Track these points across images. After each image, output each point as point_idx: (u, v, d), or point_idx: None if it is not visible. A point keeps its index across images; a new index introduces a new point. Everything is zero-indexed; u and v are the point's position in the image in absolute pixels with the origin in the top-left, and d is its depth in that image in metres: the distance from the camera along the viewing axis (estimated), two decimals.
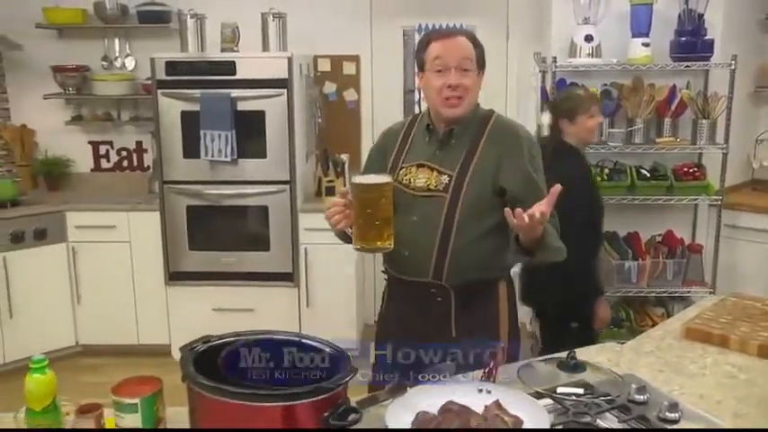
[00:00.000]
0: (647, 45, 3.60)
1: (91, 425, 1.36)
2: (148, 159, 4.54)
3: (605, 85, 3.82)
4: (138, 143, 4.57)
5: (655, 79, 3.75)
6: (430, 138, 1.96)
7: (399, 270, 1.97)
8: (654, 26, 3.62)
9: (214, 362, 1.34)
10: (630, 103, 3.72)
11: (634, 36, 3.63)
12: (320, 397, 1.24)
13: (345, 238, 1.88)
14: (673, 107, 3.73)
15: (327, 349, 1.39)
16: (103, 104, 4.48)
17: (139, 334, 4.10)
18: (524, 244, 1.77)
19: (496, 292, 1.97)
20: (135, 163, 4.61)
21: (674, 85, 3.72)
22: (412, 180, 1.93)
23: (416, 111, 4.40)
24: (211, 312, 3.90)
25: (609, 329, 3.74)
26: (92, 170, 4.63)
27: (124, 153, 4.60)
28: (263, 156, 3.76)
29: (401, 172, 1.96)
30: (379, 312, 2.14)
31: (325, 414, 1.24)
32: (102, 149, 4.60)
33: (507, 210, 1.65)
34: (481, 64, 1.91)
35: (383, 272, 2.07)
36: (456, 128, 1.91)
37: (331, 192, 3.85)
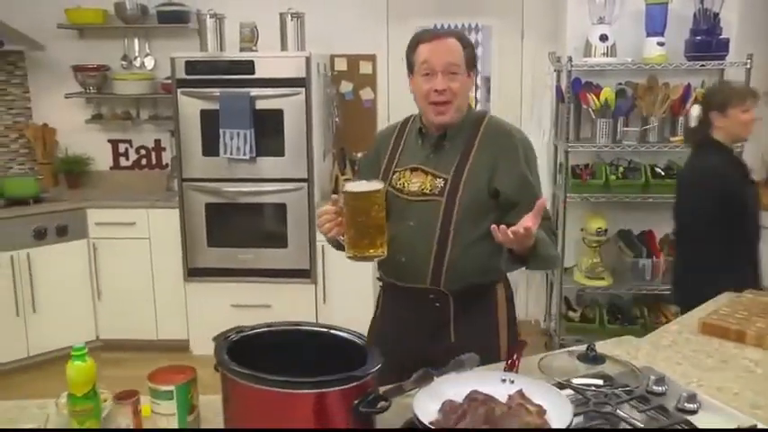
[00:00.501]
0: (661, 44, 3.62)
1: (128, 411, 1.41)
2: (167, 157, 4.61)
3: (620, 84, 3.85)
4: (157, 141, 4.63)
5: (669, 78, 3.78)
6: (423, 141, 1.93)
7: (396, 276, 1.93)
8: (669, 25, 3.65)
9: (246, 351, 1.39)
10: (645, 102, 3.74)
11: (649, 35, 3.66)
12: (350, 385, 1.28)
13: (338, 246, 1.83)
14: (687, 106, 3.74)
15: (356, 340, 1.43)
16: (123, 103, 4.55)
17: (158, 329, 4.16)
18: (517, 253, 1.73)
19: (495, 296, 1.96)
20: (153, 161, 4.67)
21: (689, 85, 3.75)
22: (406, 184, 1.90)
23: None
24: (229, 308, 3.96)
25: (622, 326, 3.78)
26: (111, 168, 4.70)
27: (143, 151, 4.67)
28: (282, 154, 3.82)
29: (394, 177, 1.93)
30: (372, 319, 2.09)
31: (356, 402, 1.29)
32: (122, 148, 4.68)
33: (493, 227, 1.62)
34: (471, 65, 1.88)
35: (378, 278, 2.04)
36: (449, 131, 1.89)
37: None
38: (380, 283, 2.04)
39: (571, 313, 4.00)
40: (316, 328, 1.49)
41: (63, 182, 4.60)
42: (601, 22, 3.68)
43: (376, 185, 1.70)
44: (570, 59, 3.67)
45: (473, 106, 4.36)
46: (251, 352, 1.36)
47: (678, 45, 3.70)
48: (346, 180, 3.94)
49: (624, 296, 4.07)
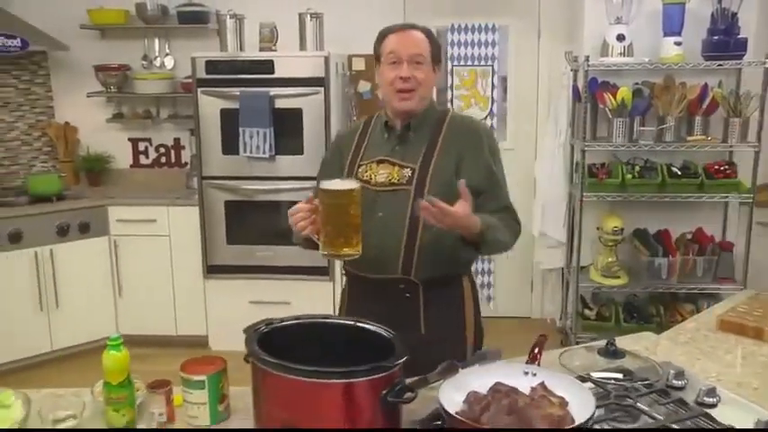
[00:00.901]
0: (679, 44, 3.63)
1: (162, 400, 1.46)
2: (185, 156, 4.67)
3: (636, 83, 3.85)
4: (176, 140, 4.70)
5: (686, 78, 3.78)
6: (389, 134, 1.96)
7: (367, 268, 1.91)
8: (686, 25, 3.65)
9: (275, 343, 1.42)
10: (662, 101, 3.75)
11: (666, 35, 3.66)
12: (378, 375, 1.32)
13: (308, 245, 1.86)
14: (704, 105, 3.75)
15: (382, 332, 1.47)
16: (143, 102, 4.62)
17: (177, 325, 4.22)
18: (468, 237, 1.79)
19: (461, 288, 1.99)
20: (173, 159, 4.73)
21: (706, 84, 3.75)
22: (373, 176, 1.92)
23: (449, 108, 4.47)
24: (248, 305, 4.01)
25: (638, 325, 3.79)
26: (131, 166, 4.77)
27: (162, 150, 4.73)
28: (300, 152, 3.86)
29: (360, 169, 1.94)
30: (338, 313, 2.10)
31: (384, 392, 1.33)
32: (141, 146, 4.74)
33: (419, 201, 1.67)
34: (436, 60, 1.92)
35: (344, 273, 2.05)
36: (413, 121, 1.92)
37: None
38: (345, 276, 2.05)
39: (587, 311, 4.01)
40: (343, 321, 1.53)
41: (84, 180, 4.68)
42: (618, 22, 3.69)
43: (352, 184, 1.72)
44: (587, 59, 3.68)
45: (491, 102, 4.41)
46: (280, 344, 1.40)
47: (695, 45, 3.70)
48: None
49: (640, 295, 4.08)
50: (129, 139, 4.73)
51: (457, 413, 1.32)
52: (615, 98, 3.72)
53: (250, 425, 1.44)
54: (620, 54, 3.70)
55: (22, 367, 3.92)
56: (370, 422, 1.33)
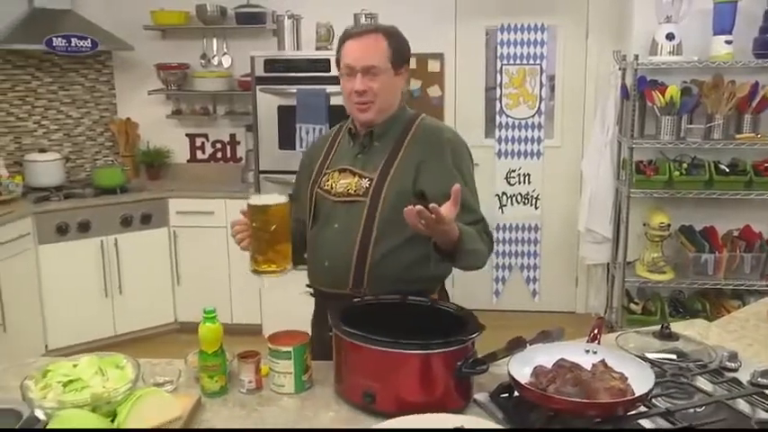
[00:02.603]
0: (729, 42, 3.66)
1: (251, 368, 1.60)
2: (241, 151, 4.85)
3: (685, 82, 3.90)
4: (232, 136, 4.88)
5: (736, 76, 3.81)
6: (354, 142, 1.90)
7: (321, 282, 1.89)
8: (737, 23, 3.68)
9: (358, 318, 1.55)
10: (710, 99, 3.79)
11: (716, 33, 3.70)
12: (453, 348, 1.45)
13: None
14: (754, 104, 3.78)
15: (454, 311, 1.59)
16: (201, 100, 4.80)
17: (233, 314, 4.39)
18: (443, 248, 1.66)
19: None
20: (228, 154, 4.92)
21: (757, 82, 3.77)
22: (333, 186, 1.86)
23: (497, 107, 4.58)
24: (300, 295, 4.14)
25: (683, 319, 3.83)
26: (188, 161, 4.96)
27: (218, 145, 4.92)
28: None
29: (323, 178, 1.89)
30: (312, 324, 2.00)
31: (459, 363, 1.45)
32: (198, 141, 4.93)
33: (405, 208, 1.55)
34: (399, 61, 1.82)
35: (307, 286, 1.98)
36: (376, 129, 1.85)
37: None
38: (311, 292, 1.99)
39: (632, 306, 4.07)
40: (419, 301, 1.66)
41: (144, 173, 4.88)
42: (668, 21, 3.74)
43: (280, 199, 1.68)
44: (636, 58, 3.74)
45: (539, 100, 4.48)
46: (362, 319, 1.54)
47: (746, 43, 3.72)
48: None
49: (685, 291, 4.13)
50: (187, 135, 4.92)
51: (526, 384, 1.43)
52: (663, 96, 3.77)
53: (331, 395, 1.58)
54: (670, 53, 3.75)
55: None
56: (444, 391, 1.46)
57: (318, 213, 1.89)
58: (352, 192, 1.83)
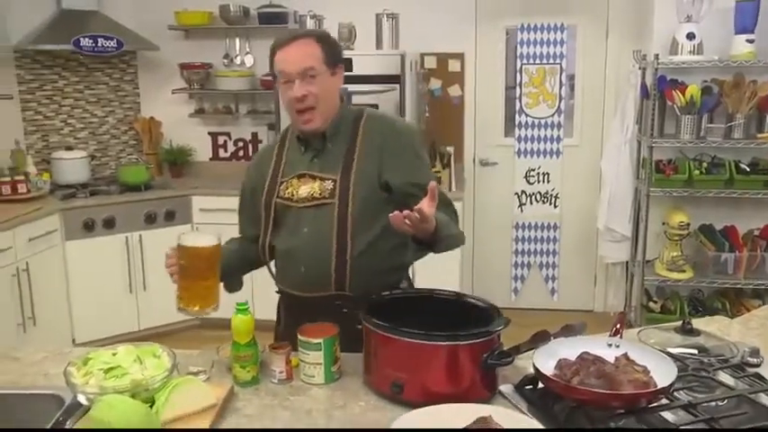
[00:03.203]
0: (751, 41, 3.66)
1: (282, 359, 1.65)
2: None
3: (705, 81, 3.91)
4: (254, 134, 4.94)
5: (757, 75, 3.81)
6: (305, 148, 1.88)
7: (299, 288, 1.87)
8: (758, 22, 3.68)
9: (387, 311, 1.59)
10: (731, 99, 3.79)
11: (737, 33, 3.70)
12: (480, 340, 1.49)
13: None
14: None
15: (481, 304, 1.63)
16: (223, 99, 4.87)
17: (255, 310, 4.44)
18: (422, 239, 1.67)
19: None
20: (250, 152, 4.97)
21: None
22: (294, 192, 1.85)
23: (517, 106, 4.60)
24: None
25: (703, 318, 3.84)
26: (210, 159, 5.04)
27: (240, 143, 4.99)
28: None
29: (281, 187, 1.88)
30: (274, 333, 2.03)
31: (484, 355, 1.49)
32: (221, 140, 5.00)
33: (390, 215, 1.58)
34: (333, 61, 1.81)
35: (277, 292, 1.99)
36: (327, 131, 1.84)
37: (437, 182, 4.10)
38: (279, 294, 1.99)
39: (651, 304, 4.09)
40: (447, 295, 1.70)
41: (167, 171, 4.96)
42: (688, 20, 3.75)
43: (210, 240, 1.69)
44: (657, 57, 3.76)
45: (559, 100, 4.51)
46: (389, 312, 1.58)
47: (767, 42, 3.73)
48: (437, 172, 4.13)
49: (705, 290, 4.13)
50: (210, 134, 4.99)
51: (551, 376, 1.47)
52: (684, 96, 3.78)
53: (359, 385, 1.62)
54: (690, 52, 3.76)
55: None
56: (471, 382, 1.50)
57: (280, 222, 1.89)
58: (317, 195, 1.82)
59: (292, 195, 1.85)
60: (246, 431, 1.46)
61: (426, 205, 1.57)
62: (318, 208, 1.82)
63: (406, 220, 1.56)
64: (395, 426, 1.36)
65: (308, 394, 1.61)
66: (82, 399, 1.46)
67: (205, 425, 1.42)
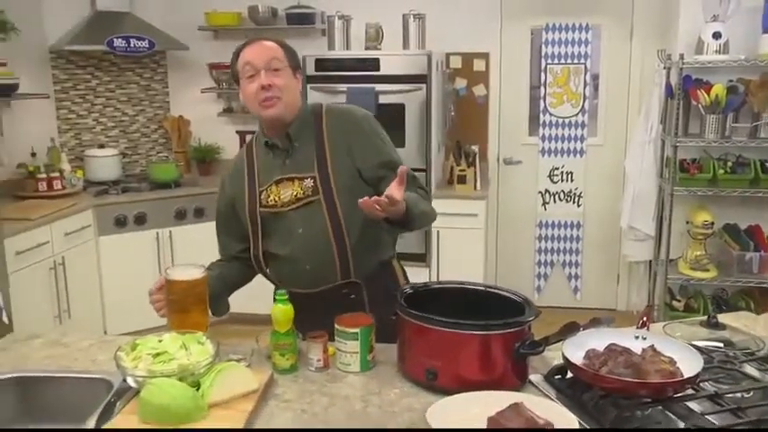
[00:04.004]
0: None
1: (319, 348, 1.72)
2: None
3: (731, 81, 3.91)
4: None
5: None
6: (273, 153, 1.92)
7: (306, 285, 1.91)
8: None
9: (419, 302, 1.66)
10: (757, 98, 3.80)
11: (765, 31, 3.70)
12: (512, 330, 1.55)
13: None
14: None
15: (512, 296, 1.69)
16: None
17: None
18: (394, 220, 1.72)
19: (394, 271, 2.05)
20: None
21: None
22: (277, 198, 1.89)
23: (541, 106, 4.64)
24: None
25: (729, 315, 3.85)
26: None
27: None
28: (402, 145, 4.09)
29: (262, 196, 1.91)
30: None
31: (517, 344, 1.55)
32: (248, 138, 5.06)
33: (359, 201, 1.63)
34: (295, 66, 1.89)
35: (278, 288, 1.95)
36: (291, 130, 1.89)
37: (462, 180, 4.18)
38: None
39: (675, 303, 4.10)
40: (477, 287, 1.76)
41: (195, 168, 5.06)
42: (714, 19, 3.76)
43: (196, 274, 1.75)
44: (682, 57, 3.78)
45: (583, 99, 4.54)
46: (422, 303, 1.64)
47: None
48: (461, 170, 4.20)
49: (728, 289, 4.14)
50: (237, 132, 5.08)
51: (580, 365, 1.52)
52: (709, 95, 3.79)
53: (394, 374, 1.68)
54: (716, 52, 3.78)
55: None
56: (502, 371, 1.56)
57: (271, 230, 1.93)
58: (301, 195, 1.88)
59: (276, 202, 1.90)
60: (254, 431, 1.52)
61: (395, 189, 1.63)
62: (306, 207, 1.88)
63: (376, 206, 1.61)
64: (430, 411, 1.42)
65: (344, 381, 1.67)
66: (131, 382, 1.54)
67: (248, 408, 1.49)
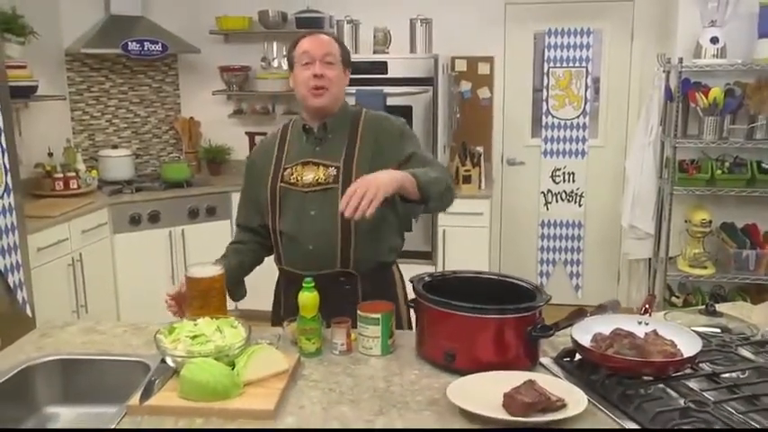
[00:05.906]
0: None
1: (343, 332, 1.83)
2: None
3: (728, 84, 4.04)
4: None
5: None
6: (307, 137, 2.04)
7: (305, 266, 2.00)
8: None
9: (436, 290, 1.77)
10: (754, 101, 3.92)
11: (761, 36, 3.82)
12: (525, 314, 1.66)
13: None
14: None
15: (525, 285, 1.81)
16: (261, 100, 5.08)
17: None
18: (409, 197, 1.84)
19: (393, 277, 2.14)
20: None
21: None
22: (299, 178, 2.00)
23: (543, 108, 4.76)
24: None
25: (726, 305, 3.97)
26: (247, 158, 5.20)
27: None
28: None
29: (285, 173, 2.02)
30: (272, 307, 2.24)
31: (529, 328, 1.67)
32: (257, 139, 5.20)
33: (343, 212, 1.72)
34: (346, 63, 2.02)
35: (281, 269, 2.13)
36: (329, 121, 2.02)
37: (467, 180, 4.29)
38: (279, 274, 2.15)
39: (674, 299, 4.22)
40: (491, 275, 1.88)
41: (205, 169, 5.18)
42: (712, 25, 3.89)
43: (214, 271, 1.85)
44: (681, 61, 3.90)
45: (585, 102, 4.66)
46: (441, 291, 1.76)
47: None
48: (467, 171, 4.31)
49: (726, 286, 4.26)
50: (247, 133, 5.18)
51: (588, 346, 1.64)
52: (707, 98, 3.92)
53: (413, 357, 1.80)
54: (714, 56, 3.90)
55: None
56: (516, 353, 1.67)
57: (286, 206, 2.03)
58: (322, 180, 2.00)
59: (298, 180, 2.02)
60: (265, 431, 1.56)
61: (357, 185, 1.73)
62: (324, 192, 1.99)
63: (350, 203, 1.71)
64: (450, 388, 1.53)
65: (367, 364, 1.78)
66: (170, 362, 1.65)
67: (280, 386, 1.60)
